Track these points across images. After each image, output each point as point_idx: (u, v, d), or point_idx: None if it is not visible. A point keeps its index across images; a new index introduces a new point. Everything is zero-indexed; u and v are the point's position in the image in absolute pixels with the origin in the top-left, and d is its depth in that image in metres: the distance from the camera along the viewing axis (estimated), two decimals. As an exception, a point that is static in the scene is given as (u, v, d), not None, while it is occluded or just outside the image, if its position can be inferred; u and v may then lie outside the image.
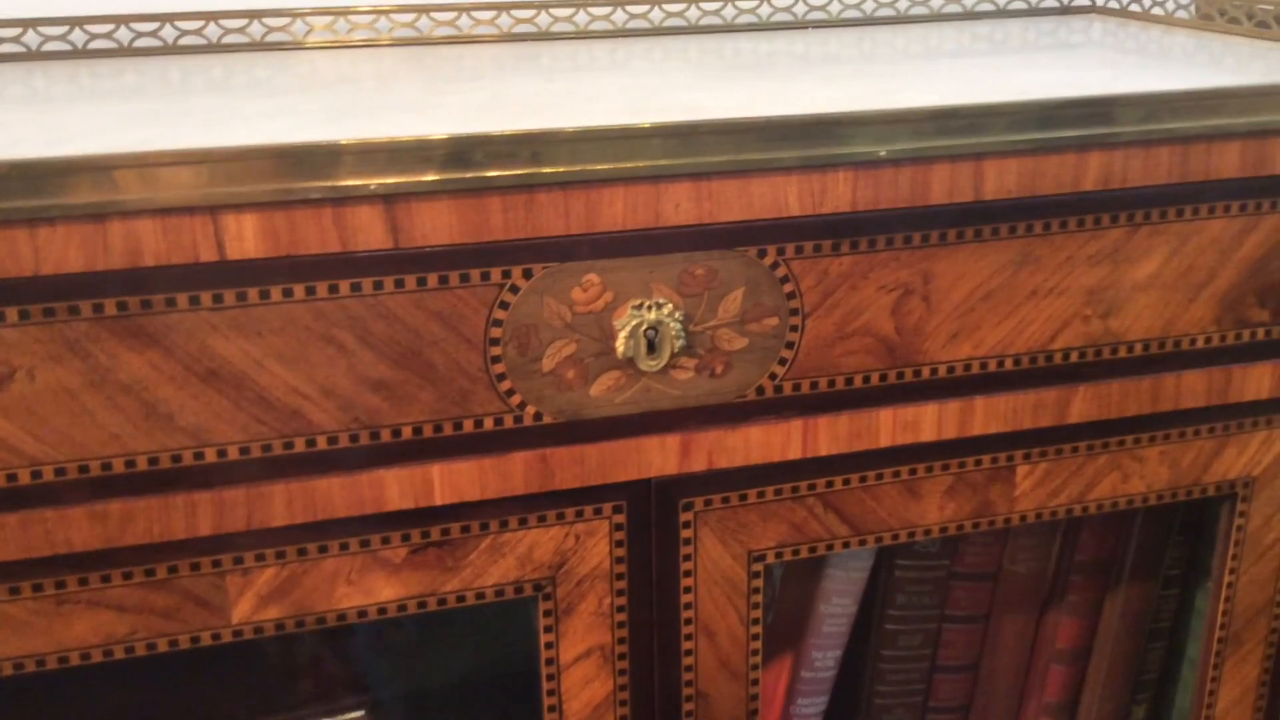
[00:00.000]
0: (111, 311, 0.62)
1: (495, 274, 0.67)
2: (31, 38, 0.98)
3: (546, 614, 0.75)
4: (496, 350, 0.69)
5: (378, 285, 0.66)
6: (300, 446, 0.68)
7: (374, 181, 0.63)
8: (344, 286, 0.65)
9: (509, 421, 0.71)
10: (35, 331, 0.62)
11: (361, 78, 0.87)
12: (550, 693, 0.77)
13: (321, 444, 0.68)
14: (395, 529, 0.71)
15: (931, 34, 1.11)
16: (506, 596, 0.74)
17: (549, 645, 0.76)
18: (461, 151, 0.64)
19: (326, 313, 0.65)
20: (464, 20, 1.06)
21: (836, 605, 0.97)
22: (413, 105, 0.76)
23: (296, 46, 1.02)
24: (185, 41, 1.00)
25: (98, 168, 0.59)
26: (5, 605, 0.66)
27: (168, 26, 0.99)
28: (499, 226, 0.66)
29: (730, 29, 1.13)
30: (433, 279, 0.66)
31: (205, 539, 0.68)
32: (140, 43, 0.99)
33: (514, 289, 0.68)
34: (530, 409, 0.71)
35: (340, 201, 0.64)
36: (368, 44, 1.04)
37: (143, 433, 0.65)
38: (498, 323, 0.68)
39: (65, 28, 0.98)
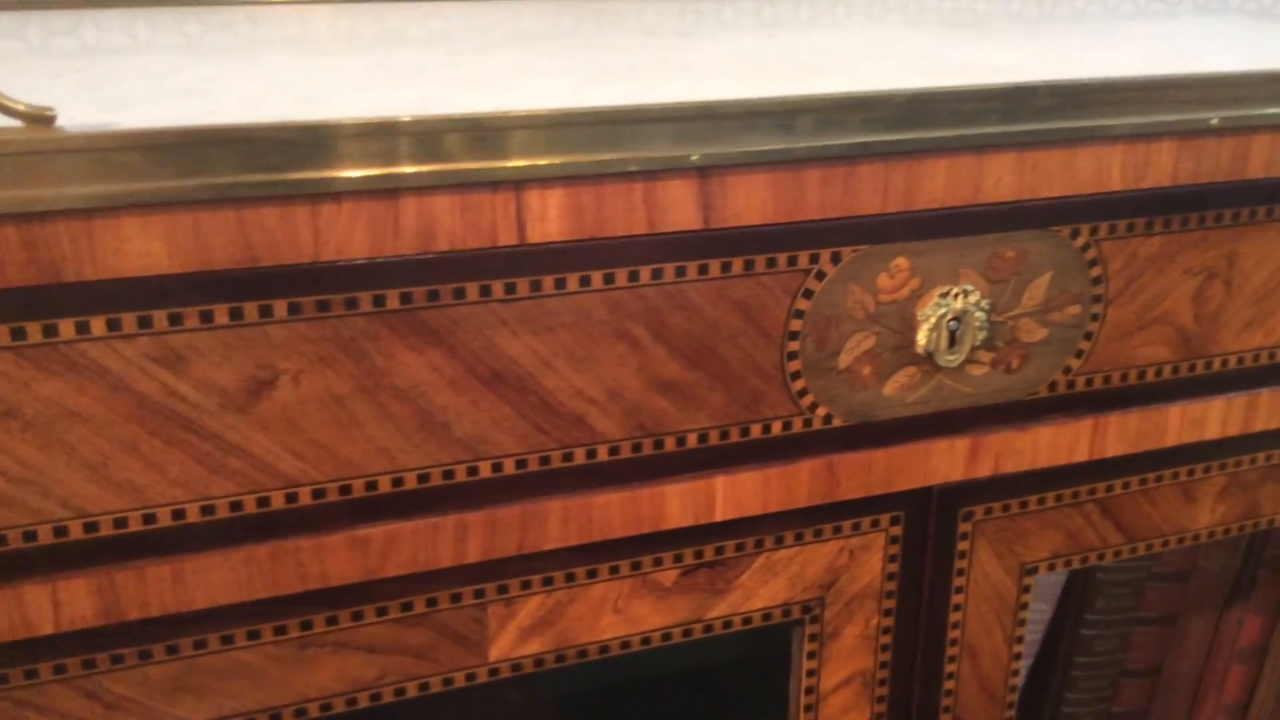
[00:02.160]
0: (394, 304, 0.52)
1: (803, 258, 0.59)
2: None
3: (811, 638, 0.67)
4: (794, 345, 0.60)
5: (680, 271, 0.57)
6: (580, 458, 0.58)
7: (696, 152, 0.54)
8: (645, 273, 0.56)
9: (798, 425, 0.62)
10: (304, 329, 0.51)
11: (531, 35, 0.77)
12: (807, 724, 0.69)
13: (602, 454, 0.59)
14: (668, 549, 0.62)
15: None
16: (773, 621, 0.66)
17: (810, 673, 0.68)
18: (788, 116, 0.55)
19: (622, 304, 0.56)
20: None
21: (1034, 611, 0.90)
22: (657, 64, 0.66)
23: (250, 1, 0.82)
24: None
25: (397, 132, 0.49)
26: (241, 652, 0.56)
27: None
28: (814, 204, 0.58)
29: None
30: (738, 264, 0.57)
31: (470, 566, 0.58)
32: None
33: (820, 275, 0.59)
34: (821, 410, 0.62)
35: (654, 175, 0.54)
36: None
37: (415, 445, 0.55)
38: (799, 314, 0.60)
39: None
